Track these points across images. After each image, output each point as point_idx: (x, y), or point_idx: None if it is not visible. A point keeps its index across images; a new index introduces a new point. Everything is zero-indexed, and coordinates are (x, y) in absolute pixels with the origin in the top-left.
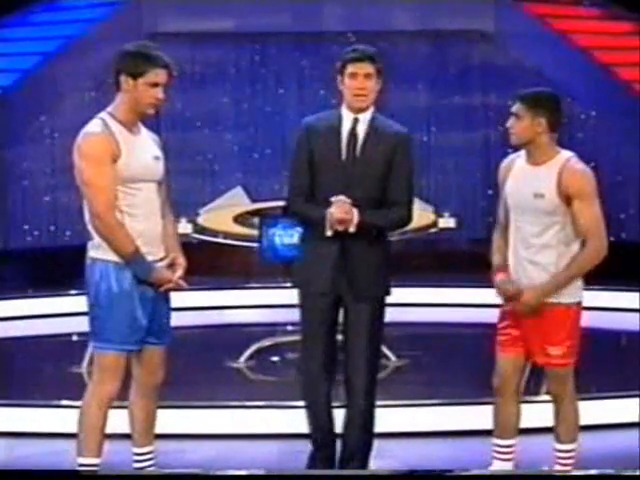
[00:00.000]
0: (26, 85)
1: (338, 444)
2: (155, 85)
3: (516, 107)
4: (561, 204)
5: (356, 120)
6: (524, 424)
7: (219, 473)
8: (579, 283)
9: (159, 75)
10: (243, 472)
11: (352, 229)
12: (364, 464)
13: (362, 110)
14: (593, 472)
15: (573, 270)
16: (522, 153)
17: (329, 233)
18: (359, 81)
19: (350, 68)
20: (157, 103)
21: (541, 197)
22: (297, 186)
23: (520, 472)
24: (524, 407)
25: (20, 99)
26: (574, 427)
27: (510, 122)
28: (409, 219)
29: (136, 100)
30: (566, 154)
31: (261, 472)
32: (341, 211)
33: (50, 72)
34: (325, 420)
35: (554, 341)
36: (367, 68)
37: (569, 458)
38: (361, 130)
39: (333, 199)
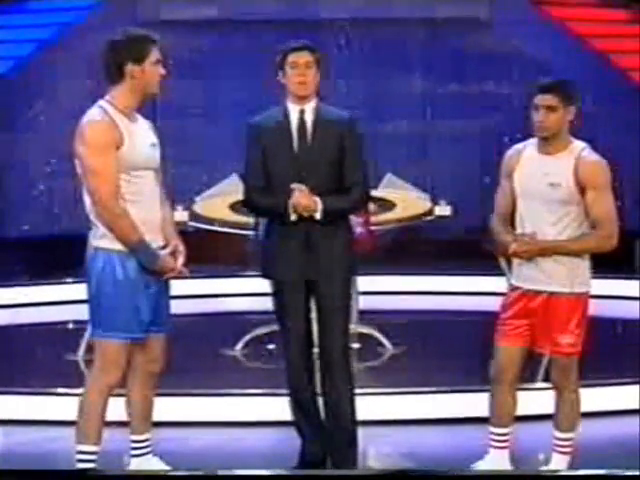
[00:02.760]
0: (22, 73)
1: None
2: (158, 62)
3: (547, 99)
4: (576, 193)
5: (302, 111)
6: (520, 412)
7: (219, 473)
8: (588, 273)
9: (157, 51)
10: (243, 472)
11: (319, 216)
12: (352, 452)
13: (306, 100)
14: (593, 472)
15: (575, 245)
16: (531, 142)
17: (293, 217)
18: (300, 70)
19: (290, 58)
20: (161, 79)
21: (557, 186)
22: (254, 184)
23: (520, 472)
24: (520, 395)
25: (16, 87)
26: (575, 416)
27: (541, 115)
28: (367, 197)
29: (144, 84)
30: (580, 144)
31: (261, 472)
32: (304, 197)
33: (46, 59)
34: (310, 410)
35: (564, 330)
36: (306, 57)
37: (568, 446)
38: (309, 120)
39: (293, 186)
